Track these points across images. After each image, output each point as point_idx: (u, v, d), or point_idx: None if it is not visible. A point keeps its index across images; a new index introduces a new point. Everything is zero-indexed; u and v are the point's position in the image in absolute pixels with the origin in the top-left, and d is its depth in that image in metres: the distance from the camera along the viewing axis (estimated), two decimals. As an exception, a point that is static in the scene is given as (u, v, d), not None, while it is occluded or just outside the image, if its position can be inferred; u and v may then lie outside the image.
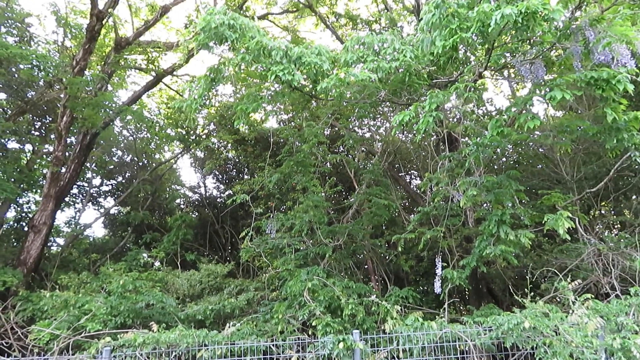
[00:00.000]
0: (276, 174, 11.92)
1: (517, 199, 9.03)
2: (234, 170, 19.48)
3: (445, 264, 9.84)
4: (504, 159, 14.63)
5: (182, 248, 15.28)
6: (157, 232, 16.91)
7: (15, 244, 15.61)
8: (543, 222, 8.06)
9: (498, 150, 12.53)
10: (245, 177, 18.18)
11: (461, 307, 12.57)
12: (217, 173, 19.39)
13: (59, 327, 8.84)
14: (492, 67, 8.67)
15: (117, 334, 8.10)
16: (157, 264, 15.37)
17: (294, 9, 17.49)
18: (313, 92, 9.61)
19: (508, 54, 8.47)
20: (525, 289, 8.02)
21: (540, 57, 7.78)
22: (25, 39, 15.97)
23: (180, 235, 15.28)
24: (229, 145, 18.38)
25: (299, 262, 10.87)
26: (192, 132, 18.43)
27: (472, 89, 7.95)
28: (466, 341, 7.22)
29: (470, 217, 11.56)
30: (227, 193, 18.47)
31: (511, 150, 14.40)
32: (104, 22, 14.30)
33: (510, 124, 8.42)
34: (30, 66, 13.58)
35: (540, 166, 13.76)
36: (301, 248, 11.39)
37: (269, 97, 10.09)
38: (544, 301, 7.78)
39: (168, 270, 13.73)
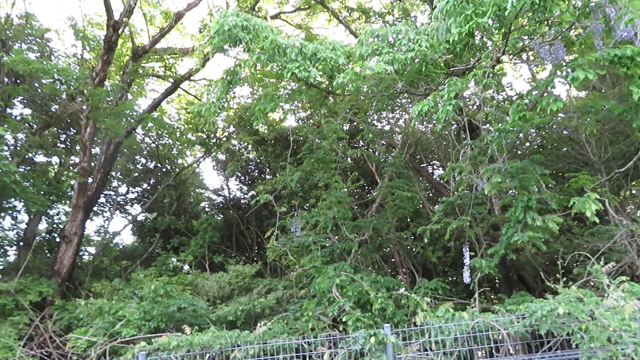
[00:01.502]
0: (298, 172, 11.95)
1: (543, 183, 8.86)
2: (256, 170, 19.60)
3: (473, 254, 9.73)
4: (527, 144, 14.37)
5: (209, 250, 15.46)
6: (184, 236, 17.13)
7: (48, 255, 16.00)
8: (569, 205, 7.89)
9: (521, 135, 12.33)
10: (267, 177, 18.28)
11: (492, 296, 12.42)
12: (239, 174, 19.53)
13: (96, 334, 9.04)
14: (510, 51, 8.52)
15: (151, 339, 8.24)
16: (186, 267, 15.58)
17: (306, 6, 17.46)
18: (330, 88, 9.59)
19: (526, 37, 8.30)
20: (557, 275, 7.86)
21: (560, 37, 7.61)
22: (46, 53, 16.31)
23: (207, 238, 15.44)
24: (250, 146, 18.49)
25: (326, 258, 10.88)
26: (212, 135, 18.59)
27: (491, 75, 7.82)
28: (499, 330, 7.13)
29: (496, 205, 11.41)
30: (250, 194, 18.60)
31: (534, 134, 14.13)
32: (120, 32, 14.51)
33: (532, 108, 8.26)
34: (52, 80, 13.89)
35: (565, 149, 13.47)
36: (327, 245, 11.40)
37: (286, 96, 10.11)
38: (577, 286, 7.62)
39: (197, 273, 13.91)
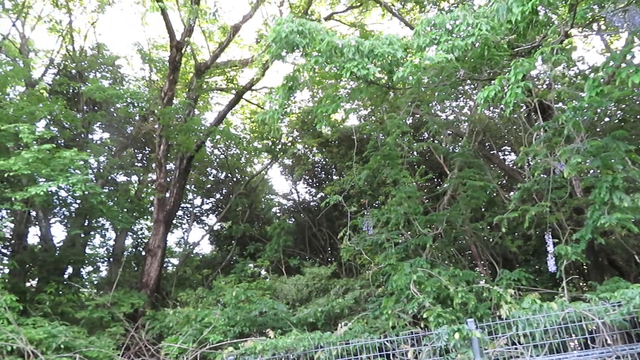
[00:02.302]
0: (364, 171, 11.90)
1: (629, 160, 8.25)
2: (323, 172, 19.76)
3: (557, 240, 9.23)
4: (607, 120, 13.46)
5: (284, 254, 15.75)
6: (259, 242, 17.58)
7: (136, 268, 17.01)
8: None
9: (599, 111, 11.55)
10: (334, 177, 18.37)
11: (582, 284, 11.75)
12: (307, 178, 19.77)
13: (186, 341, 9.47)
14: (579, 23, 8.01)
15: (237, 343, 8.52)
16: (263, 272, 15.98)
17: (358, 4, 17.38)
18: (389, 83, 9.46)
19: (595, 6, 7.78)
20: (654, 257, 7.31)
21: (634, 1, 7.06)
22: (118, 79, 17.38)
23: (281, 243, 15.75)
24: (314, 149, 18.68)
25: (400, 255, 10.76)
26: (277, 141, 18.96)
27: (560, 51, 7.40)
28: (593, 320, 6.72)
29: (577, 187, 10.76)
30: (319, 196, 18.79)
31: (614, 109, 13.20)
32: (183, 51, 15.17)
33: (609, 81, 7.73)
34: (125, 104, 14.78)
35: (650, 121, 12.50)
36: (400, 241, 11.27)
37: (347, 96, 10.09)
38: (678, 267, 7.04)
39: (274, 277, 14.23)
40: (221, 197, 20.72)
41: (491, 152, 15.33)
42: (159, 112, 14.18)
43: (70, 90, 16.27)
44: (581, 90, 8.15)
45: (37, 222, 14.53)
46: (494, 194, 12.92)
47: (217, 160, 20.31)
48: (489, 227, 12.46)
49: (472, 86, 13.41)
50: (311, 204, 19.43)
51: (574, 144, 8.39)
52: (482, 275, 10.52)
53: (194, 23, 15.32)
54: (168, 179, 15.64)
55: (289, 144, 19.07)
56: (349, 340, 7.95)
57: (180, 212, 19.36)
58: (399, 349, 7.65)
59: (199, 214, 20.73)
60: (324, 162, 19.25)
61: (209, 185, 20.63)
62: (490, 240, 12.51)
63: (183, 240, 19.49)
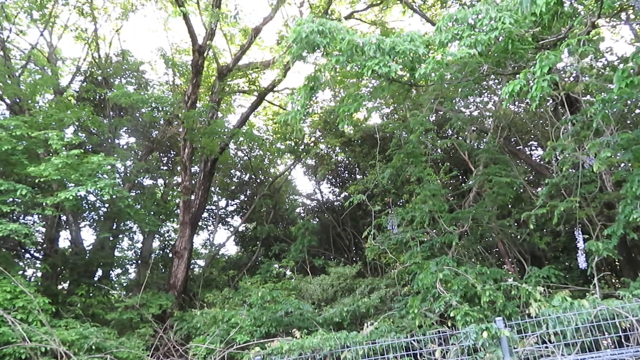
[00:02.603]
0: (388, 169, 11.83)
1: (662, 152, 8.00)
2: (346, 172, 19.72)
3: (587, 236, 9.02)
4: (637, 112, 13.08)
5: (309, 255, 15.78)
6: (283, 242, 17.66)
7: (163, 270, 17.28)
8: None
9: (629, 103, 11.23)
10: (358, 177, 18.33)
11: (614, 281, 11.44)
12: (330, 177, 19.77)
13: (213, 342, 9.58)
14: (607, 14, 7.81)
15: (264, 344, 8.57)
16: (288, 272, 16.04)
17: (379, 2, 17.29)
18: (412, 81, 9.40)
19: (624, -5, 7.58)
20: (690, 252, 7.07)
21: (665, -11, 6.85)
22: (142, 84, 17.68)
23: (306, 243, 15.78)
24: (337, 148, 18.66)
25: (426, 254, 10.65)
26: (300, 142, 19.02)
27: (587, 42, 7.21)
28: (627, 317, 6.54)
29: (608, 181, 10.50)
30: (342, 195, 18.76)
31: (645, 100, 12.82)
32: (205, 55, 15.33)
33: (639, 72, 7.51)
34: (150, 109, 15.01)
35: (684, 111, 12.10)
36: (425, 239, 11.17)
37: (369, 94, 10.05)
38: None
39: (299, 277, 14.26)
40: (245, 199, 20.89)
41: (517, 147, 15.06)
42: (183, 115, 14.37)
43: (97, 97, 16.63)
44: (610, 82, 7.92)
45: (67, 226, 14.89)
46: (521, 190, 12.69)
47: (241, 162, 20.48)
48: (516, 224, 12.23)
49: (497, 81, 13.20)
50: (335, 203, 19.41)
51: (604, 137, 8.18)
52: (510, 272, 10.35)
53: (216, 27, 15.47)
54: (193, 182, 15.83)
55: (312, 144, 19.10)
56: (375, 339, 7.91)
57: (205, 214, 19.58)
58: (426, 349, 7.58)
59: (223, 215, 20.95)
60: (347, 162, 19.21)
61: (233, 187, 20.82)
62: (518, 237, 12.28)
63: (209, 242, 19.73)
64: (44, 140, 11.28)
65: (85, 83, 16.72)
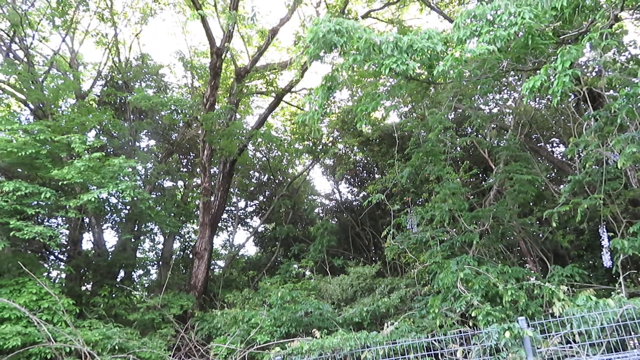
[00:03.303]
0: (407, 168, 11.75)
1: (689, 147, 7.79)
2: (364, 171, 19.66)
3: (612, 234, 8.83)
4: (663, 105, 12.76)
5: (328, 255, 15.77)
6: (302, 242, 17.68)
7: (184, 271, 17.45)
8: None
9: (655, 96, 10.96)
10: (376, 176, 18.25)
11: (640, 279, 11.19)
12: (349, 177, 19.73)
13: (234, 342, 9.64)
14: (630, 6, 7.63)
15: (284, 344, 8.59)
16: (307, 273, 16.06)
17: (395, 0, 17.22)
18: (430, 78, 9.32)
19: (647, -14, 7.40)
20: None
21: (690, -21, 6.67)
22: (162, 87, 17.89)
23: (325, 243, 15.78)
24: (355, 148, 18.61)
25: (446, 253, 10.56)
26: (318, 142, 19.02)
27: (609, 36, 7.06)
28: (654, 316, 6.38)
29: (633, 178, 10.25)
30: (361, 195, 18.71)
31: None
32: (223, 57, 15.44)
33: (664, 64, 7.32)
34: (170, 111, 15.17)
35: None
36: (445, 239, 11.07)
37: (386, 93, 9.99)
38: None
39: (319, 277, 14.27)
40: (264, 199, 20.98)
41: (538, 144, 14.82)
42: (201, 117, 14.49)
43: (118, 100, 16.88)
44: (634, 75, 7.76)
45: (90, 229, 15.13)
46: (543, 188, 12.49)
47: (260, 162, 20.58)
48: (538, 222, 12.04)
49: (517, 77, 13.01)
50: (353, 203, 19.37)
51: (628, 133, 8.00)
52: (533, 271, 10.19)
53: (233, 29, 15.56)
54: (212, 183, 15.95)
55: (330, 144, 19.09)
56: (395, 339, 7.87)
57: (225, 215, 19.71)
58: (447, 349, 7.51)
59: (243, 216, 21.07)
60: (366, 161, 19.15)
61: (252, 188, 20.93)
62: (540, 235, 12.09)
63: (228, 243, 19.85)
64: (67, 144, 11.48)
65: (106, 87, 16.99)
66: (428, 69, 8.26)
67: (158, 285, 14.30)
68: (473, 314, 7.96)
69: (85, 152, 11.30)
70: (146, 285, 16.07)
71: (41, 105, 13.94)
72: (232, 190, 19.16)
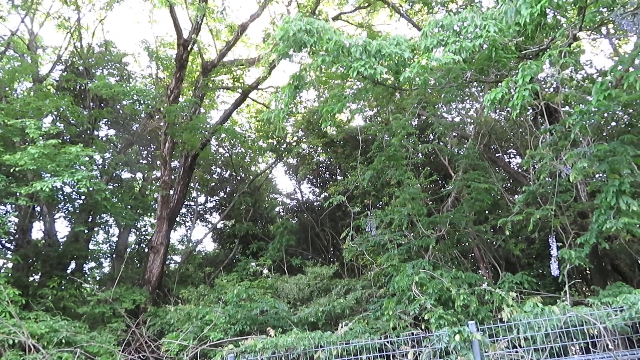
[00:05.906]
0: (369, 171, 11.88)
1: (636, 165, 8.21)
2: (327, 172, 19.74)
3: (561, 244, 9.20)
4: (614, 124, 13.38)
5: (287, 254, 15.75)
6: (261, 241, 17.59)
7: (138, 265, 17.04)
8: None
9: (606, 115, 11.49)
10: (339, 178, 18.36)
11: (584, 289, 11.68)
12: (311, 177, 19.76)
13: (186, 339, 9.48)
14: (588, 27, 7.98)
15: (238, 341, 8.52)
16: (265, 271, 15.98)
17: (366, 4, 17.37)
18: (396, 84, 9.46)
19: (604, 9, 7.75)
20: (658, 262, 7.26)
21: (644, 6, 7.03)
22: (125, 76, 17.42)
23: (284, 242, 15.75)
24: (319, 149, 18.66)
25: (403, 256, 10.73)
26: (282, 141, 18.97)
27: (568, 54, 7.36)
28: (595, 324, 6.68)
29: (583, 191, 10.71)
30: (322, 196, 18.78)
31: (622, 114, 13.11)
32: (190, 49, 15.19)
33: (617, 85, 7.69)
34: (131, 101, 14.80)
35: (658, 126, 12.37)
36: (403, 242, 11.24)
37: (353, 96, 10.08)
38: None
39: (276, 276, 14.22)
40: (225, 196, 20.75)
41: (496, 154, 15.28)
42: (164, 109, 14.21)
43: (77, 87, 16.32)
44: (589, 93, 8.11)
45: (41, 217, 14.58)
46: (499, 197, 12.86)
47: (222, 158, 20.34)
48: (492, 230, 12.40)
49: (479, 88, 13.37)
50: (315, 203, 19.42)
51: (581, 148, 8.36)
52: (485, 277, 10.48)
53: (202, 21, 15.34)
54: (172, 177, 15.66)
55: (294, 143, 19.07)
56: (349, 340, 7.94)
57: (183, 210, 19.38)
58: (399, 350, 7.63)
59: (202, 212, 20.77)
60: (329, 162, 19.23)
61: (213, 184, 20.66)
62: (494, 243, 12.47)
63: (186, 238, 19.52)
64: (21, 129, 11.04)
65: (65, 72, 16.39)
66: (395, 74, 8.39)
67: (111, 279, 13.92)
68: (426, 317, 8.14)
69: (40, 138, 10.87)
70: (98, 278, 15.59)
71: (-5, 87, 13.35)
72: (192, 185, 18.85)
